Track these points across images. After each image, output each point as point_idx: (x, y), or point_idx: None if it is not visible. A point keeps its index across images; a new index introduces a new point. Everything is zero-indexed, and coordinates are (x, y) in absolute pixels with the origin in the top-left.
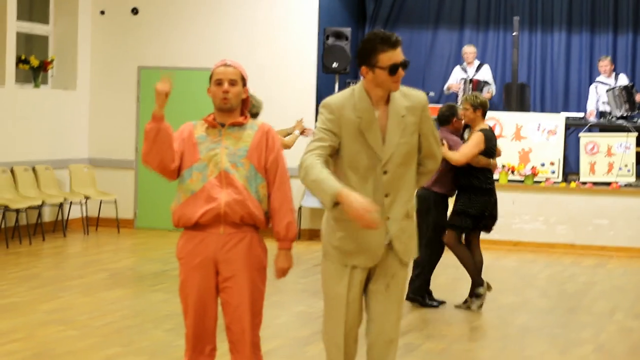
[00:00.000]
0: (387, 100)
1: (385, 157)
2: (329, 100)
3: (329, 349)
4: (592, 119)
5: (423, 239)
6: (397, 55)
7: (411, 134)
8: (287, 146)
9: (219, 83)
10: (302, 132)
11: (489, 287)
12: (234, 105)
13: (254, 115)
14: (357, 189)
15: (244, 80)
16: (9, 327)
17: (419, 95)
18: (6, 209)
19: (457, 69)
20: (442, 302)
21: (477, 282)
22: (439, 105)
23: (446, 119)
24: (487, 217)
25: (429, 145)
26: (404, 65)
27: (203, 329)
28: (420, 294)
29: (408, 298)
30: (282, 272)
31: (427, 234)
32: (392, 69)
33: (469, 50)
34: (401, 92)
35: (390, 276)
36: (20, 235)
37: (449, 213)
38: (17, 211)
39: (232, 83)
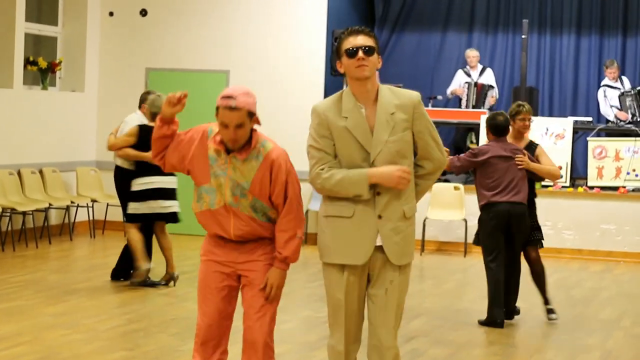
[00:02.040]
0: (376, 99)
1: (374, 154)
2: (316, 105)
3: (330, 354)
4: (616, 119)
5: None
6: (357, 40)
7: (402, 131)
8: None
9: (226, 126)
10: None
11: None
12: (242, 143)
13: (154, 115)
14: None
15: (252, 114)
16: (15, 331)
17: (410, 93)
18: (13, 211)
19: (460, 72)
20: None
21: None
22: (447, 110)
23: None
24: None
25: (424, 146)
26: (366, 50)
27: (217, 329)
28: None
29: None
30: (270, 287)
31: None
32: (350, 52)
33: (472, 54)
34: (391, 91)
35: (388, 281)
36: (27, 239)
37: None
38: (24, 214)
39: (239, 126)
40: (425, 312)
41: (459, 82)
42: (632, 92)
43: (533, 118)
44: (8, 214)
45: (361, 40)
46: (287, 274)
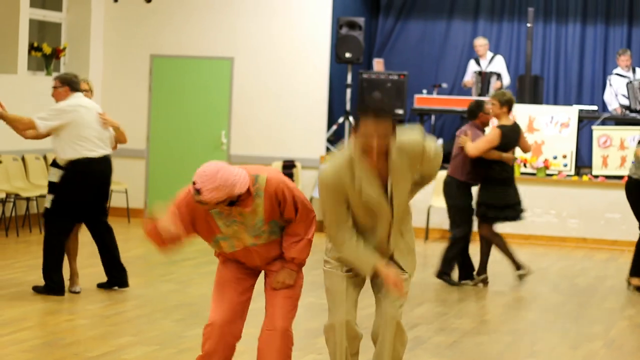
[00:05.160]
0: (386, 153)
1: (396, 213)
2: (324, 175)
3: (329, 344)
4: (615, 113)
5: (453, 219)
6: (375, 128)
7: (412, 178)
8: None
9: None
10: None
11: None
12: (231, 202)
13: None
14: (365, 238)
15: (231, 194)
16: (19, 315)
17: (415, 143)
18: (17, 197)
19: (472, 62)
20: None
21: (517, 266)
22: (452, 98)
23: (473, 113)
24: (507, 207)
25: (430, 173)
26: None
27: (232, 316)
28: (446, 270)
29: (437, 275)
30: (278, 283)
31: (454, 216)
32: (365, 136)
33: (479, 42)
34: (397, 144)
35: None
36: (31, 224)
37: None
38: (28, 199)
39: (217, 204)
40: (428, 300)
41: (471, 73)
42: (638, 82)
43: (539, 106)
44: (12, 200)
45: (380, 128)
46: (298, 274)
